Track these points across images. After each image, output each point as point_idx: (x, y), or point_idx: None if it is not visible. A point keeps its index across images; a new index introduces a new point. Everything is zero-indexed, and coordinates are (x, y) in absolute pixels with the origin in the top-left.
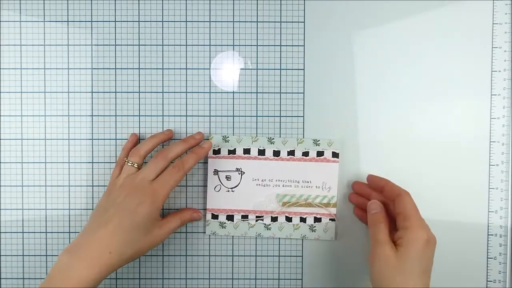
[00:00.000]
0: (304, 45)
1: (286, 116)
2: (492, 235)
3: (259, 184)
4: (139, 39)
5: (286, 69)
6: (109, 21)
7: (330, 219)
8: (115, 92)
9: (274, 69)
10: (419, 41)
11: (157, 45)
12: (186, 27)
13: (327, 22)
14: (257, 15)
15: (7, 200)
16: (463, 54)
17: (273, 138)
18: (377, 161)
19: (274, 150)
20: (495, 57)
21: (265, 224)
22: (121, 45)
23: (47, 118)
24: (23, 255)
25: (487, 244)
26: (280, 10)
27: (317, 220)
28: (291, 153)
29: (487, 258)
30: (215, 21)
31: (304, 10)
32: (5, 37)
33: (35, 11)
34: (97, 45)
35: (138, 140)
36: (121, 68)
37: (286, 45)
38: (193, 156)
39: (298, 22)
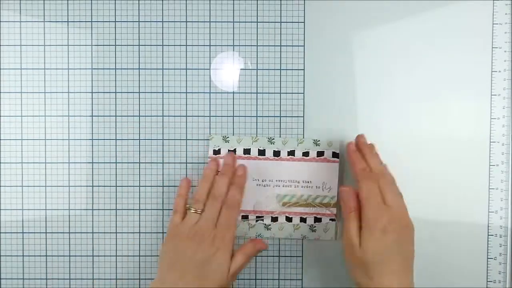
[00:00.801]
0: (304, 45)
1: (286, 116)
2: (492, 235)
3: (260, 184)
4: (139, 39)
5: (286, 69)
6: (109, 21)
7: (330, 219)
8: (115, 92)
9: (274, 69)
10: (419, 41)
11: (157, 45)
12: (186, 27)
13: (327, 22)
14: (257, 15)
15: (7, 200)
16: (463, 54)
17: (273, 138)
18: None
19: (274, 150)
20: (495, 57)
21: (265, 224)
22: (121, 45)
23: (47, 118)
24: (23, 255)
25: (487, 244)
26: (280, 10)
27: (317, 220)
28: (291, 153)
29: (487, 258)
30: (215, 21)
31: (304, 10)
32: (5, 37)
33: (35, 11)
34: (97, 45)
35: (190, 183)
36: (121, 68)
37: (286, 45)
38: (238, 189)
39: (298, 22)
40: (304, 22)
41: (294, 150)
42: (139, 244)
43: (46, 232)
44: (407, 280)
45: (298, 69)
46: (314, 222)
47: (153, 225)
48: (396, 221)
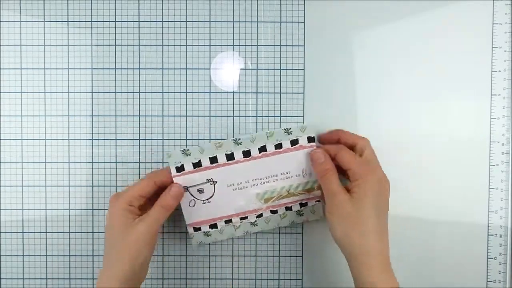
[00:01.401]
0: (304, 45)
1: (286, 116)
2: (492, 235)
3: (236, 189)
4: (139, 39)
5: (286, 69)
6: (109, 21)
7: (316, 201)
8: (115, 92)
9: (274, 69)
10: (419, 41)
11: (157, 45)
12: (186, 27)
13: (327, 22)
14: (257, 15)
15: (7, 200)
16: (463, 54)
17: (239, 139)
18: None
19: (243, 151)
20: (495, 57)
21: (250, 222)
22: (121, 45)
23: (47, 118)
24: (23, 255)
25: (487, 244)
26: (280, 10)
27: (303, 204)
28: (263, 149)
29: (487, 258)
30: (215, 21)
31: (304, 10)
32: (5, 37)
33: (35, 11)
34: (97, 45)
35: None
36: (121, 68)
37: (286, 45)
38: (159, 209)
39: (298, 22)
40: (304, 22)
41: (265, 145)
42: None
43: (46, 232)
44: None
45: (298, 69)
46: (300, 207)
47: None
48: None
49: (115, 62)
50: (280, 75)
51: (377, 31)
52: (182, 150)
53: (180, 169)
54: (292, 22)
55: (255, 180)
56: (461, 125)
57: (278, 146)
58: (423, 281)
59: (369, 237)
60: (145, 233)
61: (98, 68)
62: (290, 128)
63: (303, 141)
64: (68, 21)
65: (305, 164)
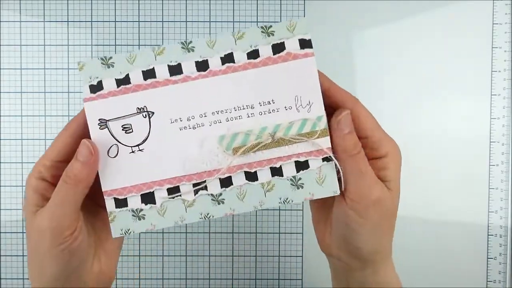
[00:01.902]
0: None
1: None
2: (492, 235)
3: (185, 127)
4: (139, 39)
5: None
6: (109, 21)
7: (323, 159)
8: None
9: None
10: (419, 41)
11: (157, 45)
12: (186, 27)
13: (327, 22)
14: (257, 15)
15: (7, 200)
16: (463, 54)
17: (191, 42)
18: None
19: (196, 62)
20: (495, 57)
21: (212, 195)
22: (121, 45)
23: (47, 118)
24: (23, 255)
25: (487, 244)
26: (280, 10)
27: (302, 166)
28: (228, 59)
29: (487, 258)
30: (215, 21)
31: (304, 10)
32: (5, 37)
33: (35, 11)
34: (97, 45)
35: None
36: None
37: None
38: (63, 186)
39: None
40: None
41: (232, 53)
42: (139, 244)
43: None
44: None
45: None
46: (297, 170)
47: None
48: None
49: None
50: None
51: (377, 31)
52: (102, 58)
53: (96, 88)
54: None
55: (217, 113)
56: (461, 125)
57: (253, 54)
58: (423, 281)
59: (391, 240)
60: (47, 231)
61: None
62: (271, 26)
63: (292, 45)
64: (68, 21)
65: (301, 87)
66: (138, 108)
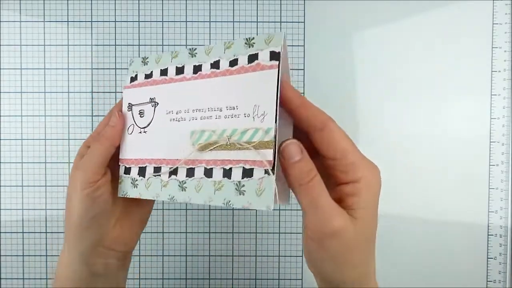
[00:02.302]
0: (304, 45)
1: None
2: (492, 235)
3: (174, 119)
4: (139, 39)
5: None
6: (109, 21)
7: (265, 171)
8: (115, 92)
9: None
10: (419, 41)
11: (157, 45)
12: (186, 27)
13: (327, 22)
14: (257, 15)
15: (7, 200)
16: (463, 54)
17: (195, 49)
18: (376, 161)
19: (194, 65)
20: (495, 57)
21: (179, 181)
22: (121, 45)
23: (47, 118)
24: (23, 255)
25: (487, 244)
26: (280, 10)
27: (247, 173)
28: (216, 65)
29: (487, 258)
30: (215, 21)
31: (304, 10)
32: (5, 37)
33: (35, 11)
34: (97, 45)
35: None
36: (121, 68)
37: (286, 45)
38: (97, 146)
39: (298, 22)
40: (304, 22)
41: (219, 61)
42: (139, 244)
43: (46, 232)
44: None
45: (298, 69)
46: (242, 177)
47: (153, 224)
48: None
49: (115, 62)
50: None
51: (377, 31)
52: (142, 58)
53: (134, 79)
54: (292, 22)
55: (196, 111)
56: (461, 125)
57: (233, 62)
58: (423, 281)
59: (369, 263)
60: (78, 177)
61: (98, 68)
62: (253, 39)
63: (263, 56)
64: (68, 21)
65: (259, 97)
66: (151, 98)
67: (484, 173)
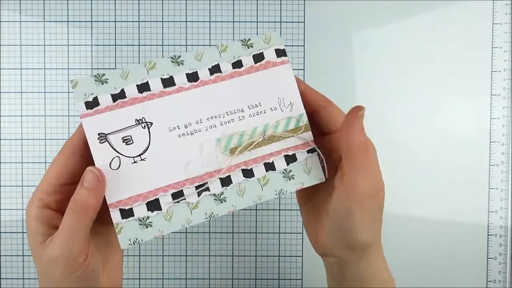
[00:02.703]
0: (304, 45)
1: None
2: (492, 235)
3: (184, 134)
4: (139, 39)
5: None
6: (109, 21)
7: (308, 151)
8: None
9: None
10: (419, 41)
11: (157, 45)
12: (186, 27)
13: (327, 22)
14: (257, 15)
15: (7, 200)
16: (463, 54)
17: (180, 56)
18: None
19: (187, 74)
20: (495, 57)
21: (214, 194)
22: (121, 45)
23: (47, 118)
24: (23, 255)
25: (487, 244)
26: (280, 10)
27: (291, 159)
28: (216, 69)
29: (487, 258)
30: (215, 21)
31: (304, 10)
32: (5, 37)
33: (35, 11)
34: (97, 45)
35: None
36: (121, 68)
37: (286, 45)
38: (72, 215)
39: (298, 22)
40: (304, 22)
41: (218, 64)
42: (139, 244)
43: None
44: None
45: (298, 69)
46: (287, 163)
47: None
48: None
49: (115, 62)
50: None
51: (377, 31)
52: (95, 75)
53: (91, 104)
54: (292, 22)
55: (212, 118)
56: (461, 125)
57: (237, 64)
58: (423, 281)
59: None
60: (59, 260)
61: (98, 68)
62: (250, 40)
63: (270, 55)
64: (68, 21)
65: (281, 90)
66: (137, 119)
67: (484, 173)
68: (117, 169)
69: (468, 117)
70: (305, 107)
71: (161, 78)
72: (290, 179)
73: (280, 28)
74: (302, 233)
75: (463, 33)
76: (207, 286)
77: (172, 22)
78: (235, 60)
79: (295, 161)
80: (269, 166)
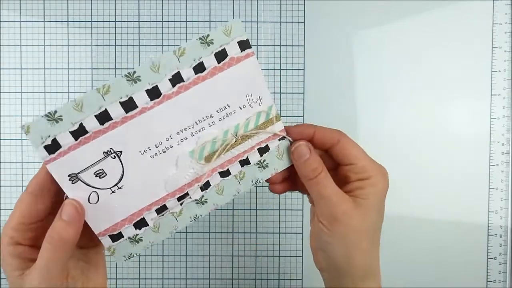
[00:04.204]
0: (304, 45)
1: (286, 116)
2: (492, 235)
3: (156, 154)
4: (139, 39)
5: (286, 69)
6: (109, 21)
7: (279, 139)
8: None
9: (274, 69)
10: (419, 41)
11: (157, 45)
12: (186, 27)
13: (327, 22)
14: (257, 15)
15: (7, 200)
16: (463, 54)
17: (134, 72)
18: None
19: (147, 90)
20: (495, 57)
21: (196, 200)
22: (121, 45)
23: None
24: None
25: (487, 244)
26: (280, 10)
27: (264, 150)
28: (177, 79)
29: (487, 258)
30: (215, 21)
31: (304, 10)
32: (5, 37)
33: (35, 11)
34: (97, 45)
35: None
36: (121, 68)
37: (286, 45)
38: (48, 249)
39: (298, 22)
40: (304, 22)
41: (179, 72)
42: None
43: None
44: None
45: (298, 69)
46: (261, 155)
47: None
48: None
49: (115, 62)
50: (280, 75)
51: (377, 31)
52: (47, 115)
53: (53, 147)
54: (292, 22)
55: (182, 131)
56: (461, 125)
57: (199, 67)
58: (423, 281)
59: (374, 254)
60: None
61: (98, 68)
62: (208, 35)
63: (232, 50)
64: (68, 21)
65: (249, 86)
66: (105, 152)
67: (484, 173)
68: (96, 202)
69: (468, 117)
70: (319, 147)
71: (119, 102)
72: (264, 168)
73: (280, 28)
74: (302, 233)
75: (463, 33)
76: (207, 286)
77: (172, 22)
78: (196, 64)
79: (268, 151)
80: (244, 162)
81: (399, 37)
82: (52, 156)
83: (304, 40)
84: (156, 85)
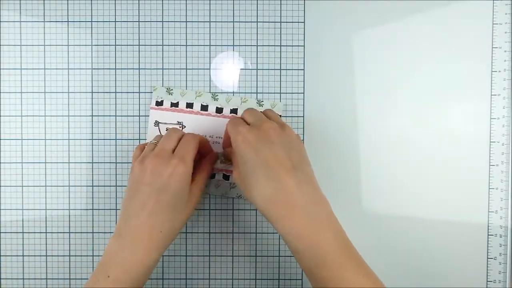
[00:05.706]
0: (304, 45)
1: (286, 116)
2: (492, 235)
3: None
4: (139, 39)
5: (286, 69)
6: (109, 21)
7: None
8: (115, 92)
9: (274, 69)
10: (419, 41)
11: (157, 45)
12: (186, 27)
13: (327, 22)
14: (257, 15)
15: (7, 200)
16: (463, 54)
17: (217, 95)
18: (376, 161)
19: (217, 107)
20: (495, 57)
21: (214, 178)
22: (121, 45)
23: (47, 118)
24: (23, 255)
25: (487, 244)
26: (280, 10)
27: (226, 178)
28: (234, 111)
29: (487, 258)
30: (215, 21)
31: (304, 10)
32: (5, 37)
33: (35, 11)
34: (97, 45)
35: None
36: (121, 68)
37: (286, 45)
38: (205, 175)
39: (298, 22)
40: (304, 22)
41: (237, 109)
42: None
43: (46, 232)
44: None
45: (298, 69)
46: (229, 179)
47: None
48: None
49: (115, 62)
50: (280, 75)
51: (377, 31)
52: (167, 88)
53: (159, 103)
54: (292, 22)
55: (219, 137)
56: (461, 125)
57: (235, 111)
58: (423, 281)
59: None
60: (199, 198)
61: (98, 68)
62: (262, 101)
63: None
64: (68, 21)
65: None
66: (178, 121)
67: (484, 173)
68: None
69: (468, 117)
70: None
71: (201, 104)
72: (232, 188)
73: (280, 28)
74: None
75: (463, 33)
76: (207, 286)
77: (172, 22)
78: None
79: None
80: (226, 177)
81: (399, 37)
82: (156, 107)
83: (304, 40)
84: (222, 108)
